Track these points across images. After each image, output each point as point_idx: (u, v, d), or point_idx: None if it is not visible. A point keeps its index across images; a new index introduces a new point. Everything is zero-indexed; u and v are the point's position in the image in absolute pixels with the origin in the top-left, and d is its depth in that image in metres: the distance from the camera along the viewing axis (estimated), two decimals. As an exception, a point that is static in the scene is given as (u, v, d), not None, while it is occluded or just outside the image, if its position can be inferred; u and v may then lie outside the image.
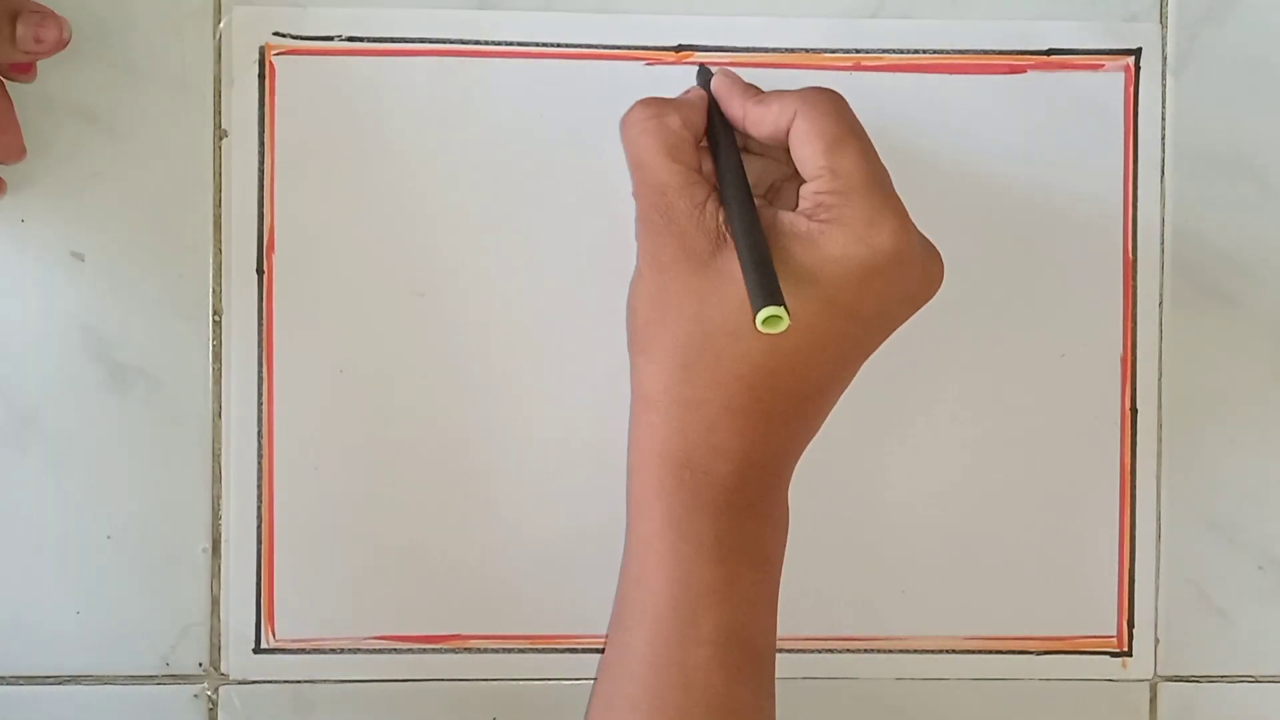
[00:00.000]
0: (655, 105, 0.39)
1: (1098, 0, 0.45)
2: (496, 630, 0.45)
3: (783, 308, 0.34)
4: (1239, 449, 0.46)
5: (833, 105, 0.37)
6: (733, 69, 0.42)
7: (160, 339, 0.44)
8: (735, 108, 0.40)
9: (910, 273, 0.37)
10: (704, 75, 0.43)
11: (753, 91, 0.40)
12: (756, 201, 0.38)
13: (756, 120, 0.39)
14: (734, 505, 0.37)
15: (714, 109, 0.40)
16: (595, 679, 0.39)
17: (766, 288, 0.34)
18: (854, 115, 0.38)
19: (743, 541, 0.37)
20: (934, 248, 0.38)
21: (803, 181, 0.38)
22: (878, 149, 0.38)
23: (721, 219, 0.37)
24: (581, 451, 0.45)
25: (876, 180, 0.37)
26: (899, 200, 0.37)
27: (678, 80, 0.44)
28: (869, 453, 0.45)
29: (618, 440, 0.44)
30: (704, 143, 0.40)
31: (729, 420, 0.37)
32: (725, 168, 0.38)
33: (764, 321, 0.34)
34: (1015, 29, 0.45)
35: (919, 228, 0.38)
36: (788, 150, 0.38)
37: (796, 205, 0.38)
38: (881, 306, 0.37)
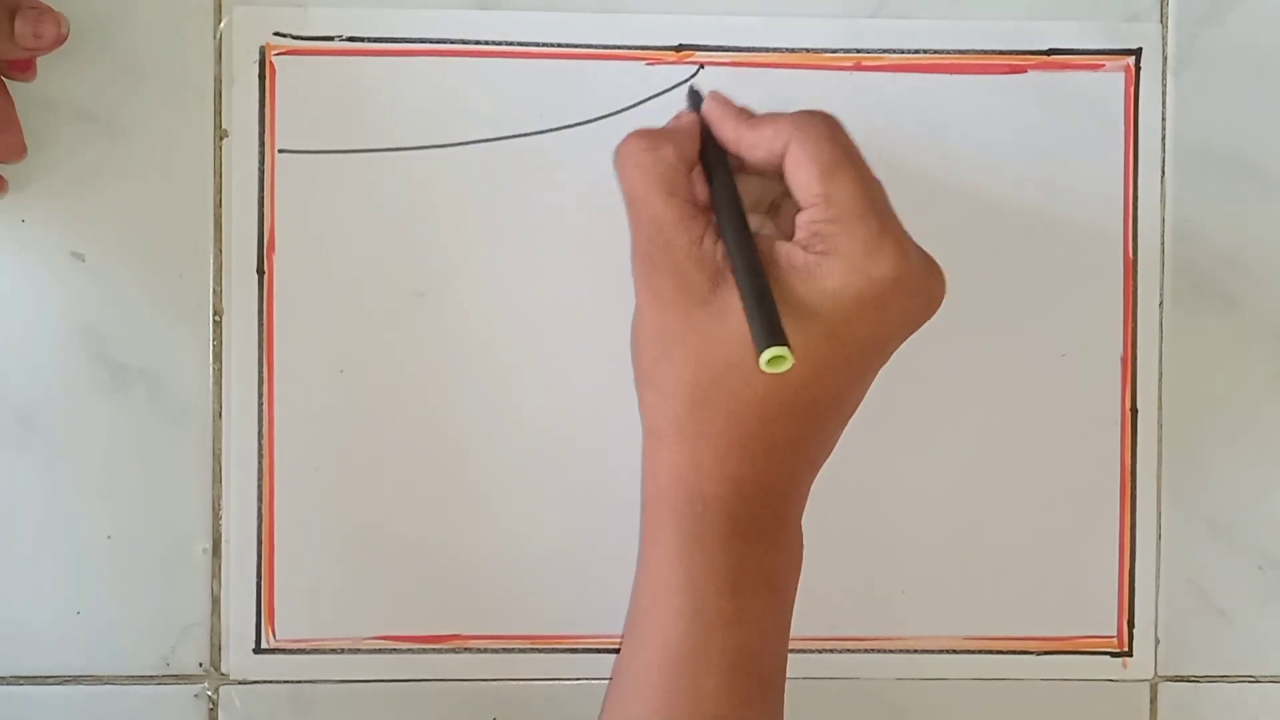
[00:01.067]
0: (648, 137, 0.38)
1: (1098, 0, 0.45)
2: (496, 630, 0.45)
3: (786, 348, 0.33)
4: (1239, 449, 0.46)
5: (827, 130, 0.37)
6: (722, 93, 0.41)
7: (160, 339, 0.44)
8: (728, 132, 0.39)
9: (911, 296, 0.37)
10: (694, 98, 0.42)
11: (745, 115, 0.39)
12: (754, 226, 0.38)
13: (750, 145, 0.38)
14: (746, 534, 0.37)
15: (706, 134, 0.40)
16: (604, 701, 0.39)
17: (769, 328, 0.34)
18: (849, 139, 0.37)
19: (755, 570, 0.37)
20: (935, 265, 0.38)
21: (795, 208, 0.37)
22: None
23: (720, 252, 0.37)
24: (581, 452, 0.45)
25: (873, 206, 0.36)
26: (897, 223, 0.37)
27: (677, 80, 0.45)
28: (869, 453, 0.45)
29: (618, 440, 0.44)
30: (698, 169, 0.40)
31: (739, 452, 0.37)
32: (721, 199, 0.38)
33: (768, 362, 0.34)
34: (1015, 29, 0.45)
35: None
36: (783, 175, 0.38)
37: (794, 229, 0.37)
38: (884, 331, 0.37)
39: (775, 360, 0.34)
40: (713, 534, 0.37)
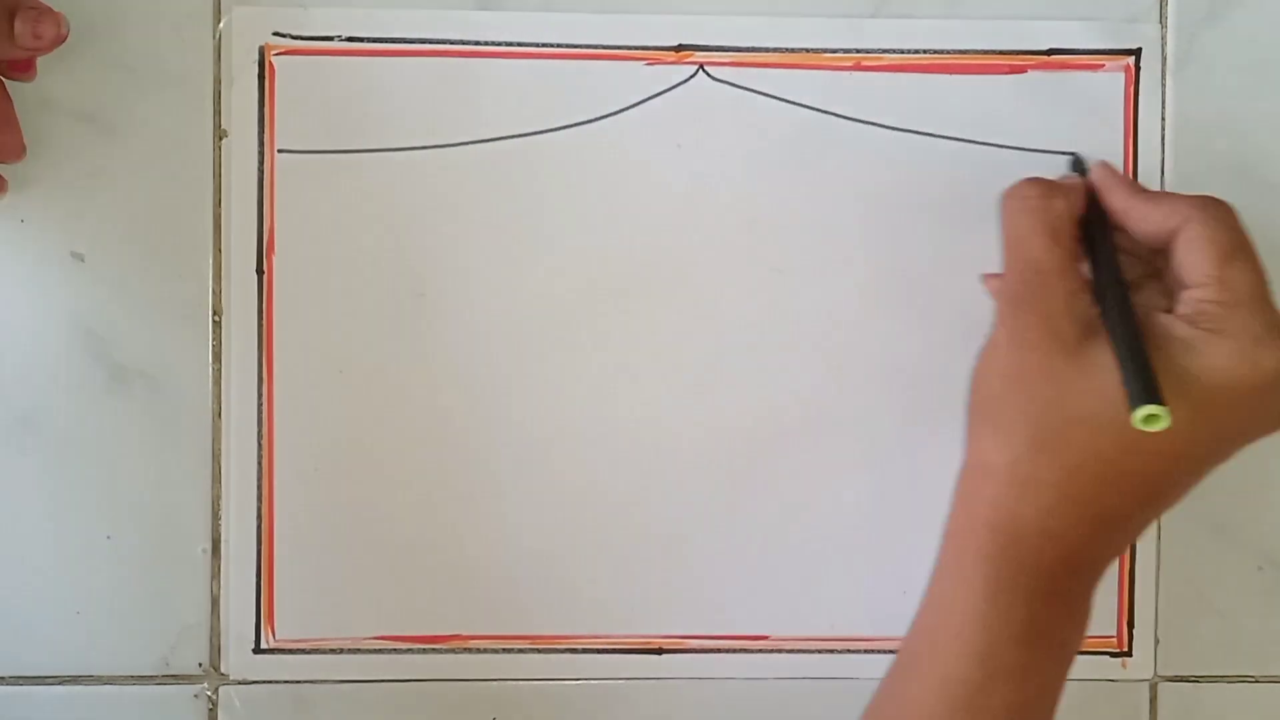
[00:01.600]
0: (1042, 186, 0.39)
1: (1098, 0, 0.45)
2: (496, 630, 0.45)
3: (1164, 407, 0.33)
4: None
5: (1228, 216, 0.37)
6: (1112, 164, 0.41)
7: (160, 339, 0.44)
8: (1117, 201, 0.39)
9: None
10: (1078, 164, 0.43)
11: (1136, 187, 0.40)
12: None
13: (1140, 218, 0.38)
14: (1050, 592, 0.37)
15: (1091, 199, 0.40)
16: (868, 712, 0.39)
17: (1149, 385, 0.34)
18: (1246, 230, 0.38)
19: (1049, 628, 0.37)
20: None
21: (1166, 285, 0.38)
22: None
23: (1093, 311, 0.37)
24: (582, 451, 0.45)
25: (1266, 299, 0.36)
26: None
27: (677, 80, 0.45)
28: (869, 451, 0.45)
29: (618, 440, 0.44)
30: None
31: (1066, 509, 0.36)
32: (1103, 258, 0.38)
33: (1144, 419, 0.33)
34: (1015, 29, 0.45)
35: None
36: (1154, 250, 0.38)
37: (1172, 305, 0.37)
38: (1247, 425, 0.37)
39: (1151, 419, 0.33)
40: (1021, 583, 0.36)
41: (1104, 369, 0.35)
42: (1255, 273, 0.37)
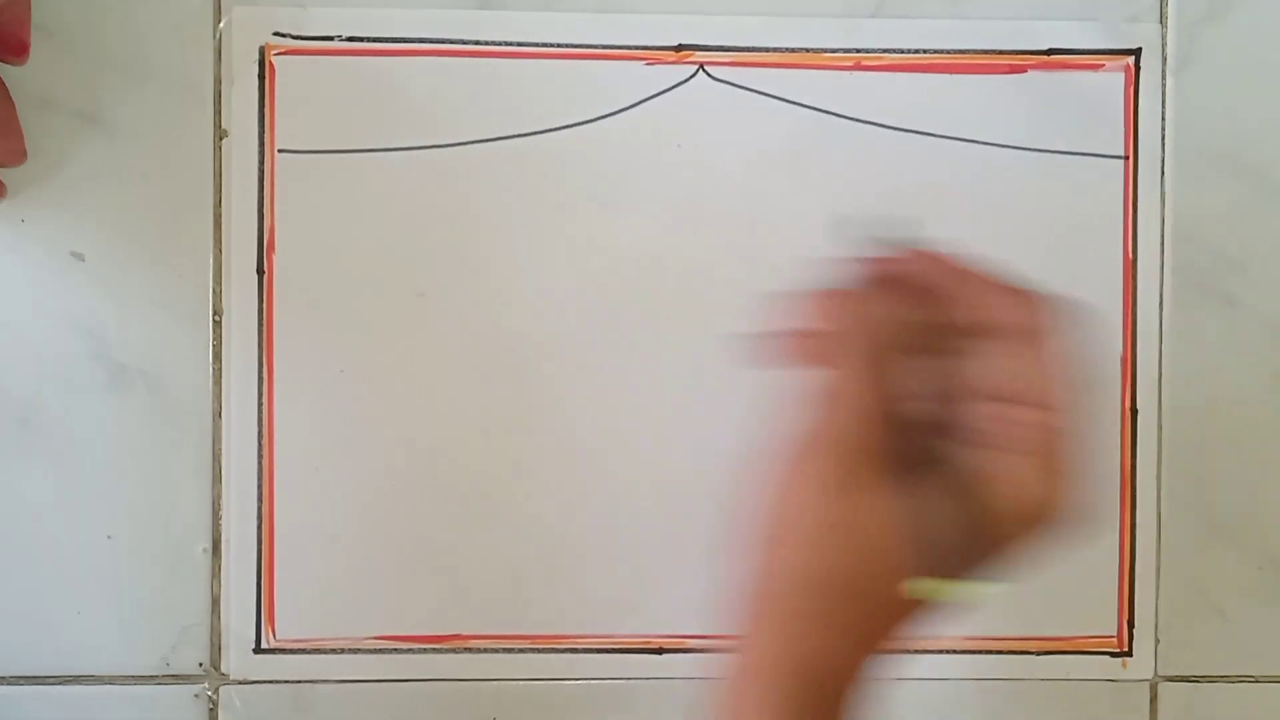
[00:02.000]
0: (863, 303, 0.34)
1: (1098, 0, 0.45)
2: (496, 630, 0.45)
3: (950, 582, 0.32)
4: (1239, 449, 0.46)
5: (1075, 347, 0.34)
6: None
7: (160, 339, 0.44)
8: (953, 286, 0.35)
9: (1054, 532, 0.35)
10: (889, 239, 0.36)
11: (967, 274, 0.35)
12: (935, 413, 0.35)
13: (989, 307, 0.34)
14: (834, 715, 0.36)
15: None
16: None
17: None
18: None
19: None
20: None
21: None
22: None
23: (906, 442, 0.34)
24: (582, 451, 0.45)
25: (1071, 446, 0.33)
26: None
27: (677, 80, 0.45)
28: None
29: (618, 439, 0.44)
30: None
31: (862, 649, 0.35)
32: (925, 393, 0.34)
33: (930, 590, 0.32)
34: (1015, 29, 0.45)
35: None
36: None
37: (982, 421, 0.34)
38: (1010, 558, 0.35)
39: (935, 590, 0.33)
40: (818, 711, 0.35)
41: (901, 513, 0.33)
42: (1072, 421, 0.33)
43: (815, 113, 0.45)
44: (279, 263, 0.44)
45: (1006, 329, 0.33)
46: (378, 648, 0.45)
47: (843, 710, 0.36)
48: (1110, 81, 0.45)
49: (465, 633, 0.45)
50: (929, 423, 0.34)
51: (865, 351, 0.34)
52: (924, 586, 0.32)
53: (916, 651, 0.46)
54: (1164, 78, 0.46)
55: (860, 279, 0.35)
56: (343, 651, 0.45)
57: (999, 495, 0.33)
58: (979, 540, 0.33)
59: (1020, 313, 0.34)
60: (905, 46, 0.45)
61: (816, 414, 0.34)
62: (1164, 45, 0.46)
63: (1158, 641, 0.46)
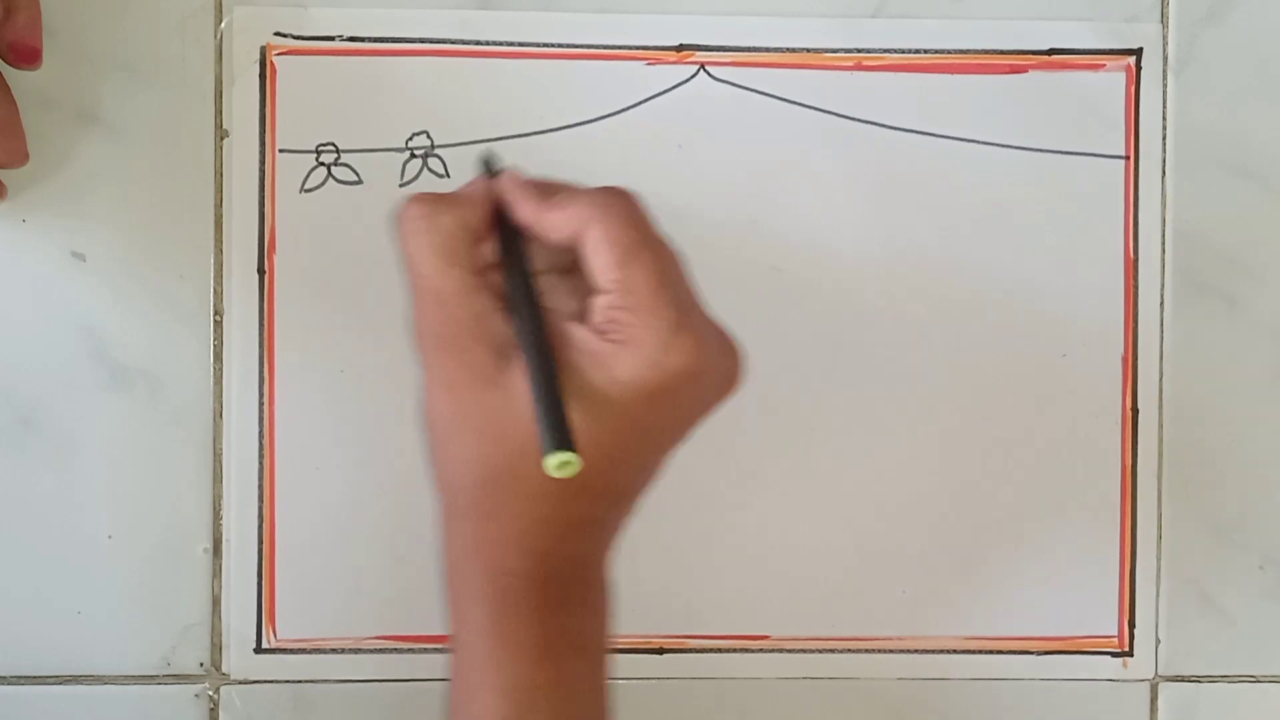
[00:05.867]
0: (427, 203, 0.36)
1: (1098, 0, 0.45)
2: (497, 630, 0.45)
3: (573, 453, 0.32)
4: (1239, 449, 0.46)
5: (626, 211, 0.35)
6: (519, 171, 0.38)
7: (161, 339, 0.44)
8: (526, 213, 0.36)
9: (707, 384, 0.36)
10: (488, 165, 0.39)
11: (543, 192, 0.37)
12: (546, 288, 0.36)
13: (549, 229, 0.36)
14: (554, 602, 0.36)
15: (503, 212, 0.37)
16: None
17: (556, 432, 0.33)
18: (649, 221, 0.35)
19: (566, 636, 0.36)
20: (731, 347, 0.36)
21: (584, 293, 0.36)
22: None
23: (508, 331, 0.35)
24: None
25: (670, 296, 0.34)
26: (696, 311, 0.35)
27: (678, 80, 0.45)
28: (869, 452, 0.45)
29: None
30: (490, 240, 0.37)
31: (538, 529, 0.36)
32: (512, 278, 0.36)
33: (556, 467, 0.32)
34: (1016, 29, 0.45)
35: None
36: (574, 257, 0.36)
37: (588, 307, 0.35)
38: (678, 419, 0.36)
39: (562, 466, 0.32)
40: (519, 606, 0.36)
41: (527, 396, 0.34)
42: (655, 271, 0.34)
43: (816, 113, 0.45)
44: (279, 263, 0.44)
45: (572, 228, 0.35)
46: (378, 648, 0.45)
47: (553, 599, 0.36)
48: (1111, 81, 0.45)
49: (466, 633, 0.45)
50: (531, 318, 0.35)
51: (436, 249, 0.35)
52: (556, 461, 0.32)
53: (916, 651, 0.46)
54: (1165, 78, 0.46)
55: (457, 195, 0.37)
56: (343, 651, 0.45)
57: (615, 368, 0.34)
58: (610, 414, 0.34)
59: (576, 219, 0.35)
60: (905, 46, 0.45)
61: (419, 315, 0.36)
62: (1165, 45, 0.45)
63: (1158, 641, 0.46)
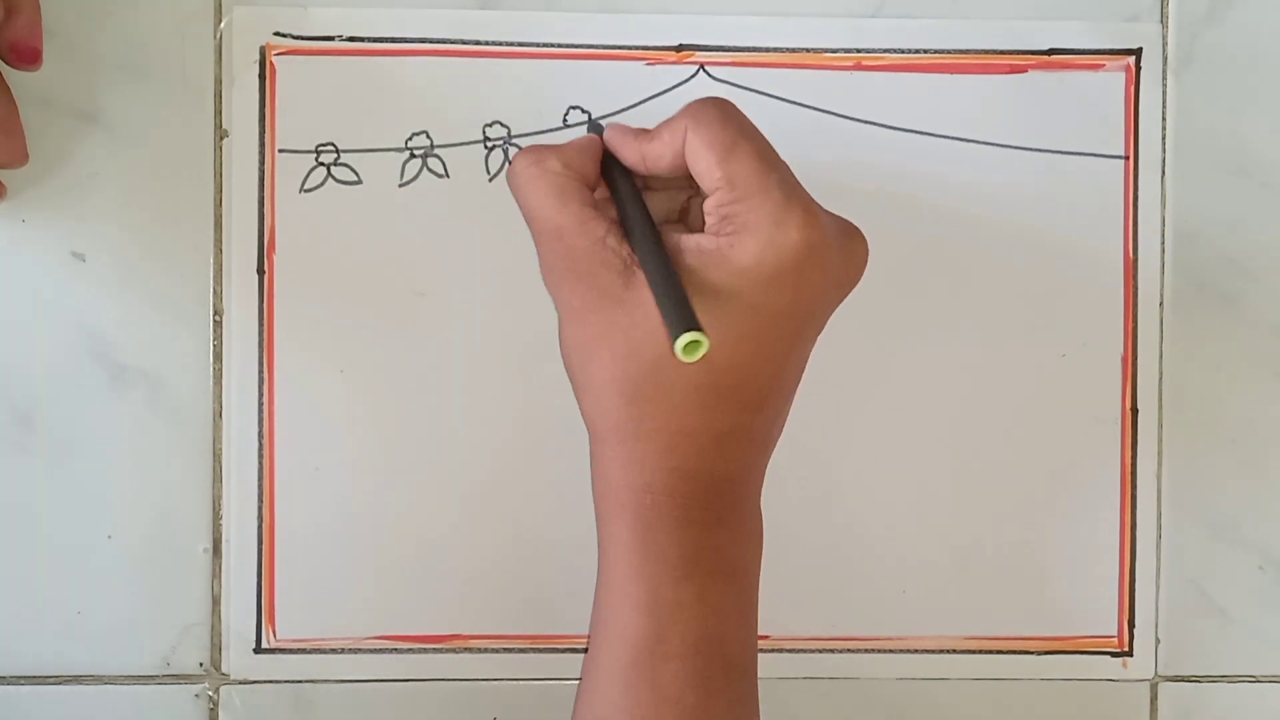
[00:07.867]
0: (534, 153, 0.38)
1: (1098, 0, 0.45)
2: (496, 630, 0.45)
3: (699, 332, 0.33)
4: (1239, 449, 0.46)
5: (719, 113, 0.37)
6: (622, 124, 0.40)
7: (161, 339, 0.44)
8: (631, 153, 0.39)
9: (830, 260, 0.37)
10: (595, 128, 0.43)
11: (644, 134, 0.39)
12: (661, 227, 0.37)
13: (655, 157, 0.38)
14: (699, 521, 0.37)
15: (610, 160, 0.40)
16: (575, 701, 0.39)
17: (679, 315, 0.34)
18: (744, 117, 0.37)
19: (710, 556, 0.37)
20: (851, 227, 0.38)
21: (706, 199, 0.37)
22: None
23: (627, 250, 0.37)
24: (582, 451, 0.45)
25: (775, 179, 0.36)
26: (803, 193, 0.36)
27: (678, 80, 0.45)
28: (869, 452, 0.45)
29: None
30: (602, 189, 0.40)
31: (683, 443, 0.37)
32: (623, 200, 0.38)
33: (683, 349, 0.33)
34: (1016, 29, 0.45)
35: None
36: (692, 183, 0.38)
37: (704, 222, 0.37)
38: (807, 300, 0.37)
39: (690, 347, 0.33)
40: (664, 523, 0.37)
41: (654, 306, 0.35)
42: (756, 158, 0.36)
43: (816, 112, 0.45)
44: (279, 263, 0.44)
45: (676, 150, 0.37)
46: (378, 648, 0.45)
47: (697, 519, 0.37)
48: (1111, 81, 0.45)
49: (465, 633, 0.45)
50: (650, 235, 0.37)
51: (548, 190, 0.37)
52: (684, 342, 0.33)
53: (916, 651, 0.46)
54: (1165, 78, 0.46)
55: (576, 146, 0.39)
56: (343, 651, 0.45)
57: (734, 258, 0.35)
58: (736, 306, 0.36)
59: (675, 135, 0.37)
60: (906, 46, 0.45)
61: (543, 256, 0.38)
62: (1165, 45, 0.46)
63: (1158, 641, 0.46)
